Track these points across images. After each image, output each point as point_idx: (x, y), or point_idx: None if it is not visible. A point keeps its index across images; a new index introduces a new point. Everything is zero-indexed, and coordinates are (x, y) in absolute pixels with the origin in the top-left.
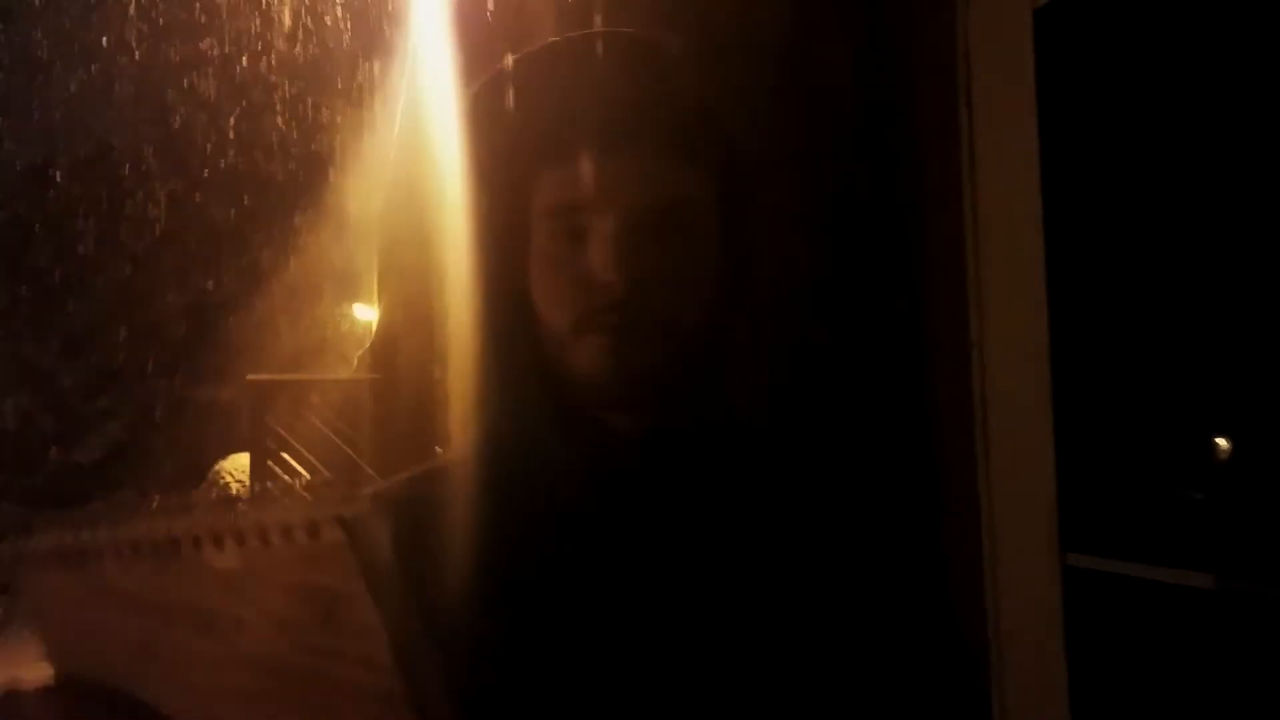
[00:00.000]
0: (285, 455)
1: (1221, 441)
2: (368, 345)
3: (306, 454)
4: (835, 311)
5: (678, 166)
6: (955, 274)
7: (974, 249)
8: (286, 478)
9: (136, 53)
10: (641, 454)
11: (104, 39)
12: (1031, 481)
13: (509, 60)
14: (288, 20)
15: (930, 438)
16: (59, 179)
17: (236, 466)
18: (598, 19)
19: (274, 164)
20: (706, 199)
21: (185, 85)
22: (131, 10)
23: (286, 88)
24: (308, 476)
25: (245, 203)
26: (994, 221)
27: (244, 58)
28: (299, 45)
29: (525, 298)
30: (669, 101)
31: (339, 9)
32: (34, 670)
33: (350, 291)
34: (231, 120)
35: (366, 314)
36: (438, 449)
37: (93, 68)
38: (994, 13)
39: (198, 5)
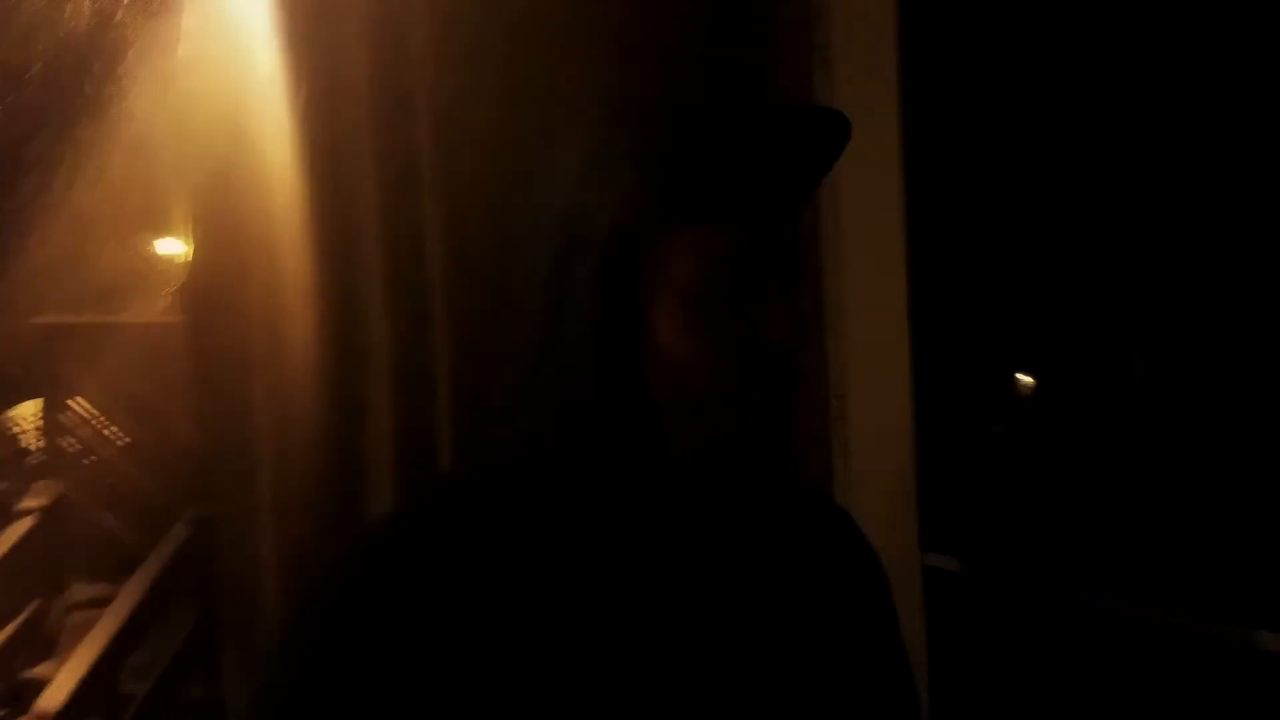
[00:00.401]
0: (77, 404)
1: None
2: (179, 285)
3: (90, 406)
4: None
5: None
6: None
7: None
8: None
9: None
10: (699, 481)
11: None
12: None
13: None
14: None
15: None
16: None
17: (26, 414)
18: None
19: (59, 63)
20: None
21: None
22: None
23: None
24: (105, 428)
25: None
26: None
27: None
28: None
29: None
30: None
31: None
32: None
33: (157, 224)
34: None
35: (177, 249)
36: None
37: None
38: None
39: None
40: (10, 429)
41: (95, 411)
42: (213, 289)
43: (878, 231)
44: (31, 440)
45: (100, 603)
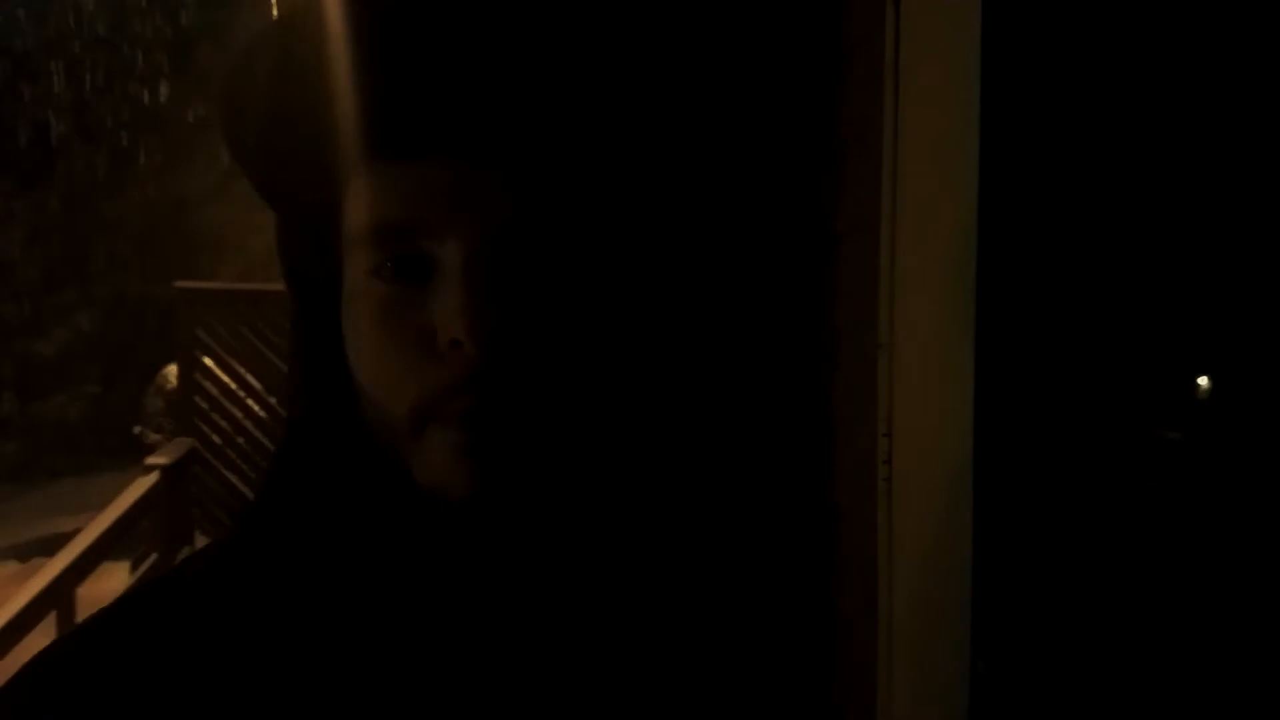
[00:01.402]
0: (210, 363)
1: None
2: None
3: (236, 365)
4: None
5: (544, 162)
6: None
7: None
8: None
9: None
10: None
11: None
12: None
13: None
14: None
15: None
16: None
17: (170, 373)
18: None
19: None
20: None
21: None
22: None
23: None
24: (233, 386)
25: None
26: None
27: None
28: None
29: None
30: (533, 64)
31: None
32: None
33: None
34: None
35: None
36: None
37: None
38: None
39: None
40: (161, 385)
41: (231, 374)
42: None
43: (948, 210)
44: (174, 397)
45: None
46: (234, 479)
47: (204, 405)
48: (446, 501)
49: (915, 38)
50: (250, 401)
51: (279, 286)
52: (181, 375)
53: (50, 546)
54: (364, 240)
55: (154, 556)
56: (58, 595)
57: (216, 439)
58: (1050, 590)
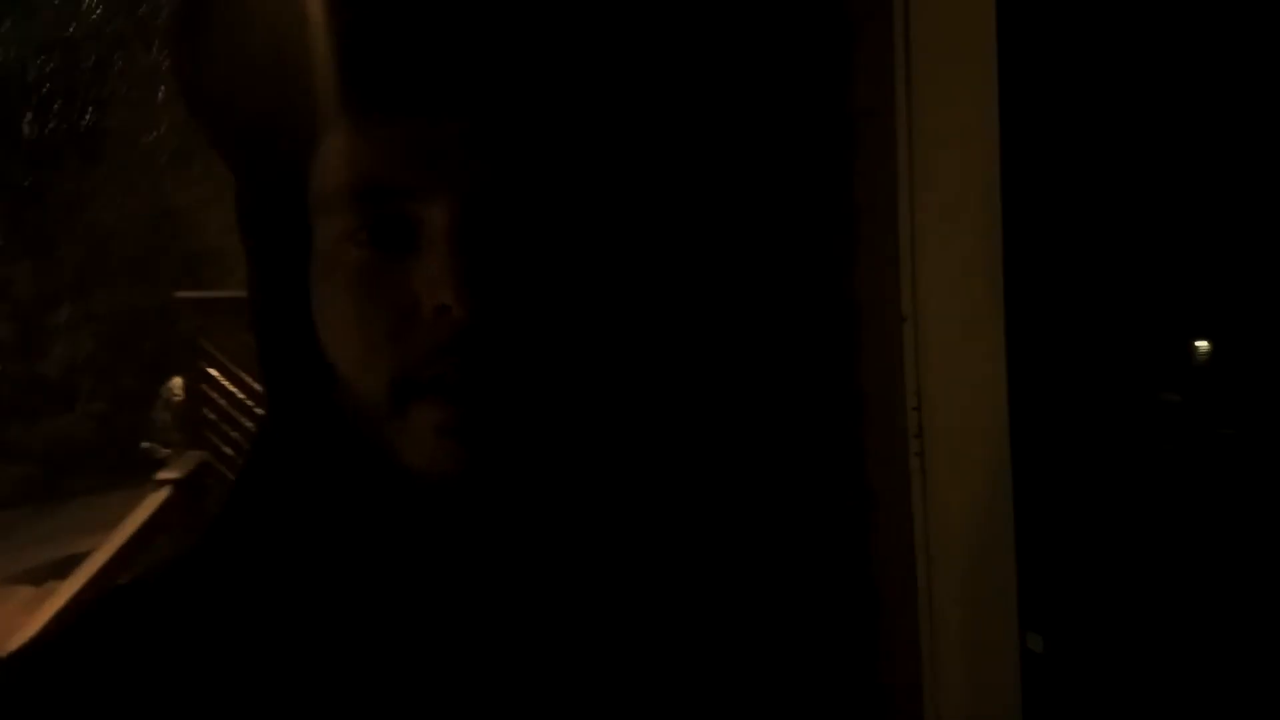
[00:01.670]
0: (216, 373)
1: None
2: None
3: (241, 374)
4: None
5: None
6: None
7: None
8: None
9: None
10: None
11: None
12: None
13: None
14: None
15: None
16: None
17: (176, 385)
18: None
19: None
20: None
21: None
22: None
23: None
24: (241, 396)
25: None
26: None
27: None
28: None
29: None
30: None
31: None
32: None
33: None
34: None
35: None
36: None
37: None
38: None
39: None
40: (167, 397)
41: (238, 383)
42: None
43: (967, 179)
44: (181, 410)
45: None
46: None
47: (213, 416)
48: (431, 483)
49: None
50: (261, 410)
51: None
52: (188, 387)
53: (64, 569)
54: (340, 203)
55: None
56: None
57: (229, 450)
58: (1100, 562)
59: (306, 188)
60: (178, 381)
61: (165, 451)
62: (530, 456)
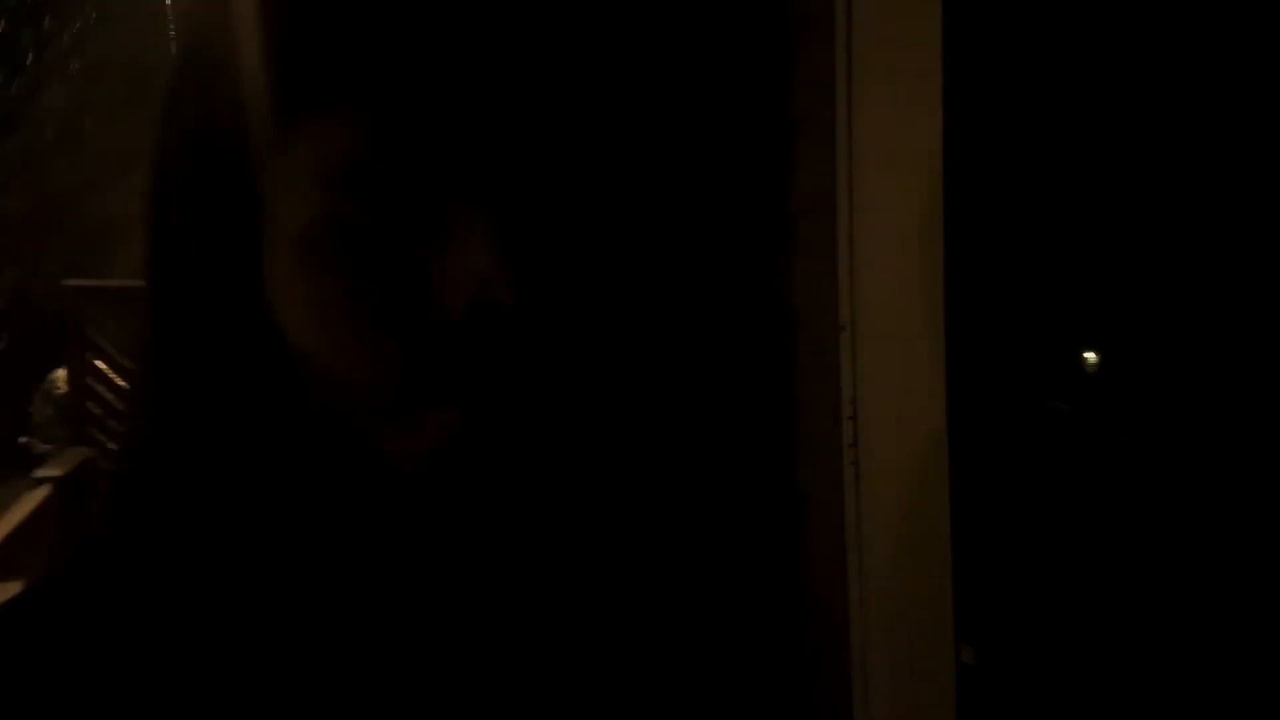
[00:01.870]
0: (103, 365)
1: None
2: None
3: (128, 365)
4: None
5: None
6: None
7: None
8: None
9: None
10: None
11: None
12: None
13: None
14: None
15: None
16: None
17: (60, 379)
18: None
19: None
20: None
21: None
22: None
23: None
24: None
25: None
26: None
27: None
28: None
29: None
30: None
31: None
32: None
33: None
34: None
35: None
36: None
37: None
38: None
39: None
40: (49, 391)
41: (115, 377)
42: None
43: (907, 190)
44: (65, 403)
45: None
46: None
47: (98, 411)
48: (418, 481)
49: (869, 11)
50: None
51: None
52: (72, 380)
53: None
54: (344, 183)
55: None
56: None
57: (114, 447)
58: (1036, 574)
59: (287, 166)
60: (61, 373)
61: (45, 447)
62: (507, 457)
